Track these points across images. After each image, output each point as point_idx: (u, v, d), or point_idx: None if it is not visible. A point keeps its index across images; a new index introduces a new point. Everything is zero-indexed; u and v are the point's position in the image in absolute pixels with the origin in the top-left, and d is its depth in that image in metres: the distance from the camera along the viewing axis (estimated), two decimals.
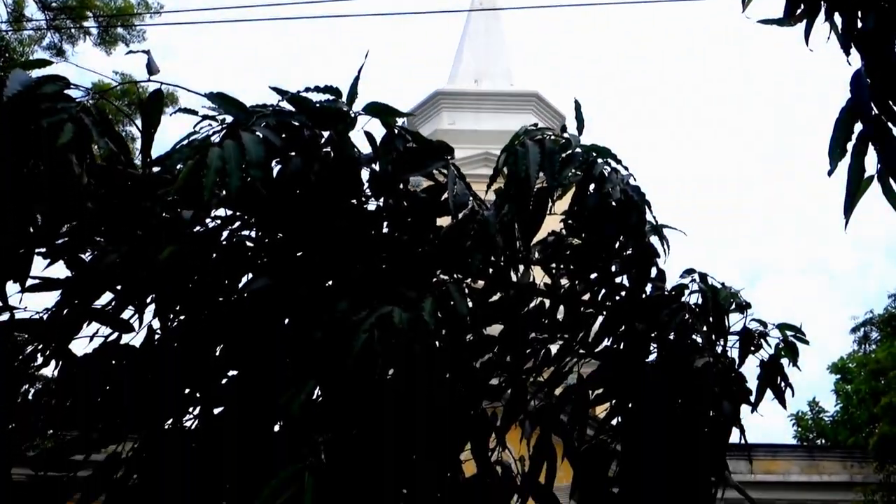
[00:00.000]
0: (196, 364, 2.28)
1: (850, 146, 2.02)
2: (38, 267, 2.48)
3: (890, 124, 1.98)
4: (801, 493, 15.28)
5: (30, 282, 2.40)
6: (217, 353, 2.32)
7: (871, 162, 2.04)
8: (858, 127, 2.03)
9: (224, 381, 2.33)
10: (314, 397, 2.12)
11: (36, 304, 2.49)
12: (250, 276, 2.30)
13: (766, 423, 22.94)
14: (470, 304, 2.39)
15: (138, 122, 2.56)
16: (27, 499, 2.30)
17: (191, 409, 2.25)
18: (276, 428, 2.24)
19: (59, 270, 2.48)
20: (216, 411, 2.29)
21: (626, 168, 2.62)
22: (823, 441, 22.23)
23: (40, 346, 2.28)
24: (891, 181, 1.99)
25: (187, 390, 2.28)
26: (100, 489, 2.25)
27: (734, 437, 2.68)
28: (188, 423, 2.28)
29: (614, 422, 2.67)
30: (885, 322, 18.31)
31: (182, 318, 2.31)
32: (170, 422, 2.27)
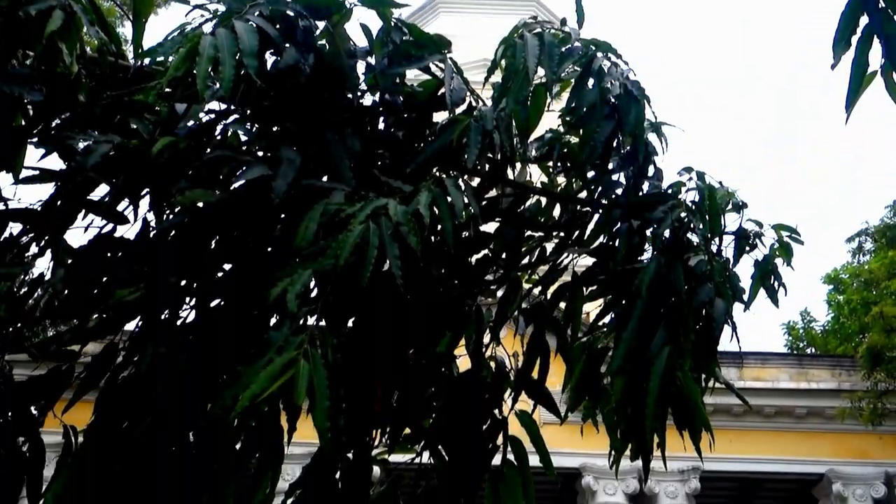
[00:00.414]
0: (191, 256, 2.28)
1: (854, 40, 1.98)
2: (32, 160, 2.46)
3: None
4: (789, 399, 15.57)
5: (24, 173, 2.39)
6: (213, 246, 2.32)
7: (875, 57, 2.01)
8: (864, 20, 1.99)
9: (220, 274, 2.34)
10: (310, 289, 2.12)
11: (31, 198, 2.47)
12: (245, 169, 2.28)
13: (758, 333, 23.24)
14: (466, 200, 2.38)
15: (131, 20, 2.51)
16: (25, 390, 2.33)
17: (188, 301, 2.26)
18: (273, 321, 2.25)
19: (54, 163, 2.47)
20: (213, 304, 2.30)
21: (626, 63, 2.57)
22: (814, 350, 22.56)
23: (34, 237, 2.28)
24: (894, 76, 1.96)
25: (183, 282, 2.28)
26: (97, 379, 2.28)
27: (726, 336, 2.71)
28: (185, 315, 2.30)
29: (607, 319, 2.69)
30: (881, 233, 18.37)
31: (177, 210, 2.30)
32: (166, 314, 2.28)
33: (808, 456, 15.40)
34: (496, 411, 2.82)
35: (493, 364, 2.90)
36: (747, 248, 2.85)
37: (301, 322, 2.05)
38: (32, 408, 2.31)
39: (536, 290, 2.82)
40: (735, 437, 15.16)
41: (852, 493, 14.98)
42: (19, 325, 2.25)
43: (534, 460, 2.87)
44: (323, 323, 2.09)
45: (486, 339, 2.85)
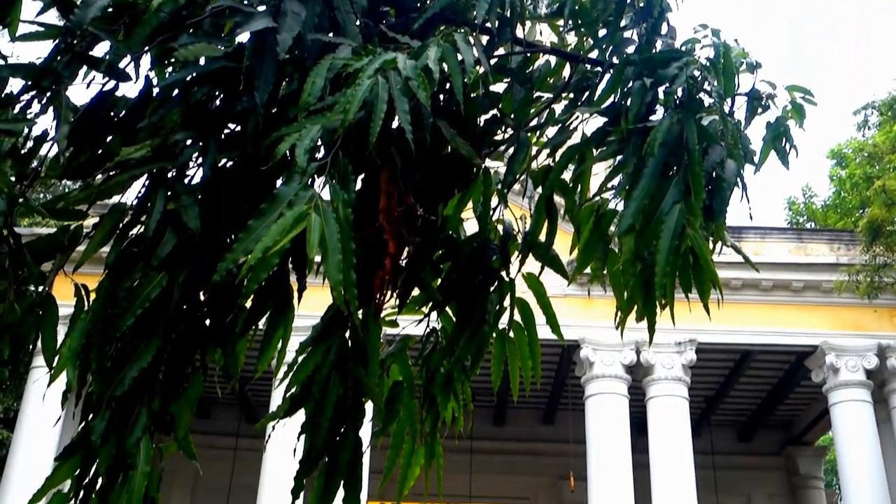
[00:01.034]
0: (196, 113, 2.24)
1: None
2: (30, 14, 2.39)
3: None
4: (787, 273, 15.74)
5: (21, 29, 2.32)
6: (217, 103, 2.28)
7: None
8: None
9: (226, 132, 2.30)
10: (318, 146, 2.09)
11: (30, 56, 2.41)
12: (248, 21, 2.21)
13: (759, 208, 23.33)
14: (476, 56, 2.32)
15: None
16: (34, 249, 2.33)
17: (194, 159, 2.23)
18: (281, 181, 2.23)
19: (52, 18, 2.40)
20: (220, 162, 2.27)
21: None
22: (813, 225, 22.65)
23: (36, 94, 2.23)
24: None
25: (189, 141, 2.25)
26: (106, 237, 2.28)
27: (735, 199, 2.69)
28: (192, 173, 2.27)
29: (616, 180, 2.66)
30: (887, 105, 18.16)
31: (180, 66, 2.25)
32: (173, 172, 2.25)
33: (803, 328, 15.68)
34: (503, 273, 2.83)
35: (500, 227, 2.90)
36: (760, 110, 2.80)
37: (310, 179, 2.03)
38: (42, 267, 2.31)
39: (545, 153, 2.78)
40: (732, 310, 15.38)
41: (845, 364, 15.32)
42: (26, 183, 2.23)
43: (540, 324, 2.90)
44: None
45: (494, 202, 2.83)
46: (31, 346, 2.27)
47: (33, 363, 14.35)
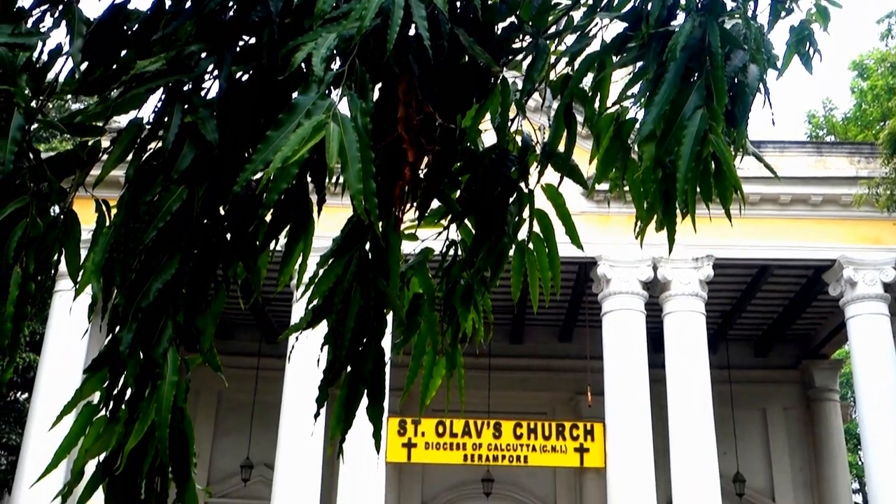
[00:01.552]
0: (210, 25, 2.21)
1: None
2: None
3: None
4: (805, 187, 15.62)
5: None
6: (231, 14, 2.25)
7: None
8: None
9: (241, 43, 2.28)
10: (334, 55, 2.07)
11: None
12: None
13: (779, 122, 22.96)
14: None
15: None
16: (54, 165, 2.33)
17: (210, 71, 2.21)
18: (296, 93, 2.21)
19: None
20: (236, 75, 2.25)
21: None
22: (833, 138, 22.38)
23: (48, 7, 2.21)
24: None
25: (203, 53, 2.23)
26: (124, 153, 2.27)
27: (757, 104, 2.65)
28: (208, 86, 2.25)
29: (636, 88, 2.62)
30: None
31: None
32: (189, 85, 2.24)
33: (821, 242, 15.63)
34: (522, 185, 2.82)
35: (518, 138, 2.87)
36: (783, 13, 2.74)
37: (327, 89, 2.01)
38: (62, 183, 2.32)
39: (564, 61, 2.74)
40: (750, 225, 15.35)
41: (862, 278, 15.31)
42: (42, 98, 2.22)
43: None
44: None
45: (512, 113, 2.81)
46: (55, 261, 2.29)
47: (56, 287, 14.54)
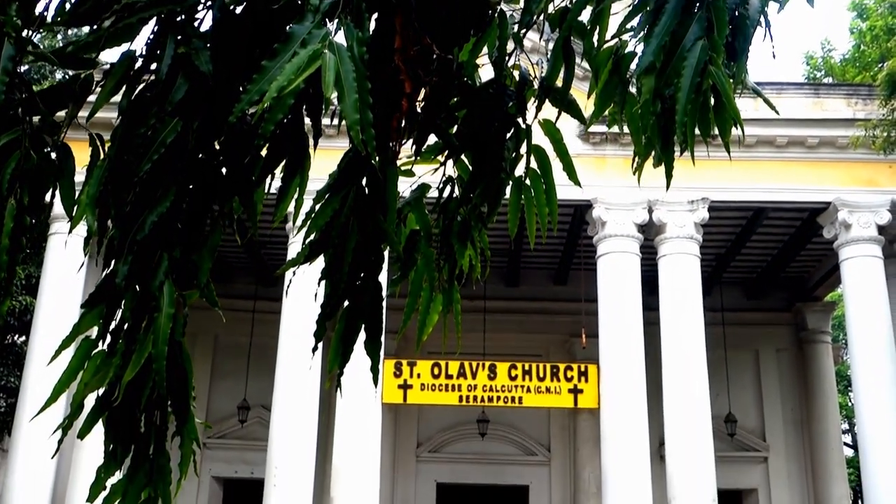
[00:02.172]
0: None
1: None
2: None
3: None
4: (802, 129, 15.56)
5: None
6: None
7: None
8: None
9: None
10: None
11: None
12: None
13: (776, 63, 22.80)
14: None
15: None
16: (46, 98, 2.30)
17: (203, 1, 2.17)
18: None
19: None
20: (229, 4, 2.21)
21: None
22: (832, 80, 22.22)
23: None
24: None
25: None
26: (117, 85, 2.24)
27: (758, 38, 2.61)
28: (201, 16, 2.21)
29: (636, 21, 2.58)
30: None
31: None
32: (182, 17, 2.20)
33: (817, 184, 15.62)
34: (519, 120, 2.79)
35: (516, 73, 2.84)
36: None
37: (323, 19, 1.98)
38: (55, 117, 2.29)
39: None
40: (746, 168, 15.33)
41: (857, 220, 15.34)
42: (33, 28, 2.18)
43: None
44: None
45: (510, 47, 2.77)
46: (49, 197, 2.27)
47: (52, 230, 14.52)
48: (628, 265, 15.11)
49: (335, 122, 2.16)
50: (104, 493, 2.23)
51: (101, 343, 2.14)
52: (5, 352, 19.52)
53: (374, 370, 2.38)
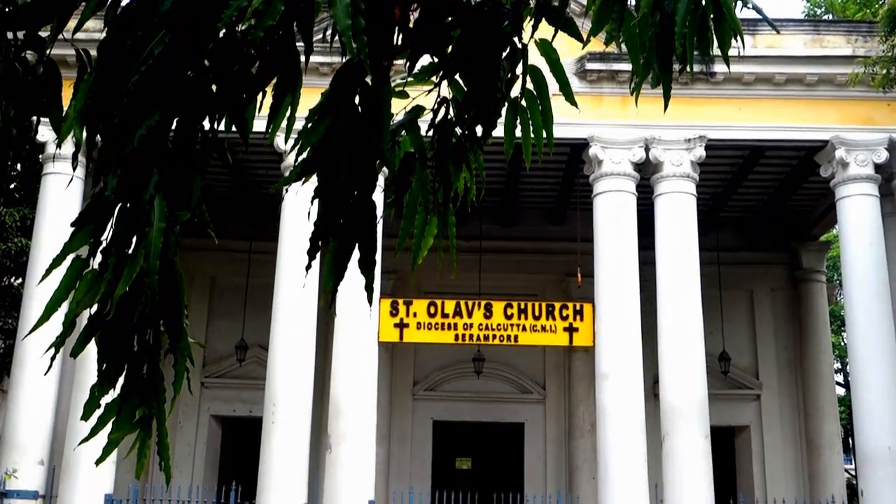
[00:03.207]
0: None
1: None
2: None
3: None
4: (801, 66, 15.41)
5: None
6: None
7: None
8: None
9: None
10: None
11: None
12: None
13: (775, 2, 22.47)
14: None
15: None
16: (31, 11, 2.24)
17: None
18: None
19: None
20: None
21: None
22: (832, 17, 21.96)
23: None
24: None
25: None
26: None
27: None
28: None
29: None
30: None
31: None
32: None
33: (815, 123, 15.53)
34: (515, 40, 2.74)
35: None
36: None
37: None
38: (40, 32, 2.24)
39: None
40: (743, 106, 15.22)
41: (854, 159, 15.29)
42: None
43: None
44: None
45: None
46: (36, 115, 2.23)
47: (45, 170, 14.41)
48: (624, 204, 15.08)
49: (328, 34, 2.11)
50: (99, 412, 2.22)
51: (92, 261, 2.12)
52: (2, 293, 19.55)
53: (369, 289, 2.36)
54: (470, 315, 15.09)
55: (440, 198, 2.84)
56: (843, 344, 32.26)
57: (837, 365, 32.47)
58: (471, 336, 15.10)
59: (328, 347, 14.98)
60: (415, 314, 15.07)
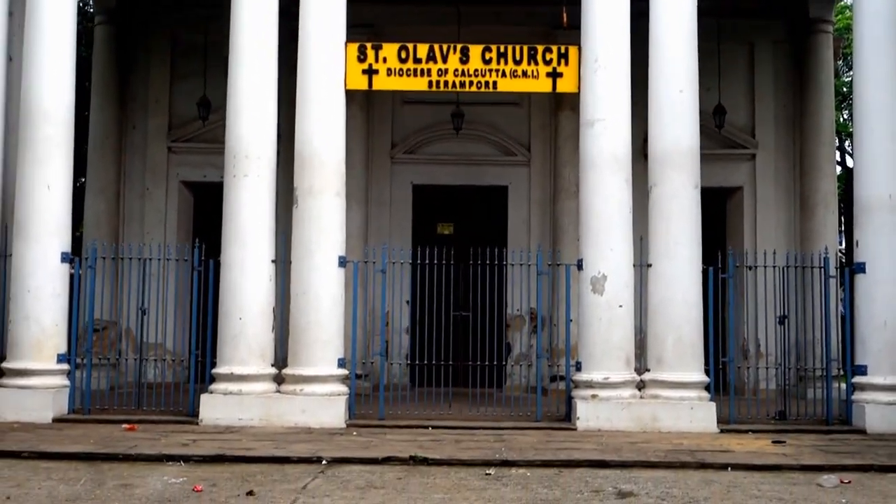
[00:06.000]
0: None
1: None
2: None
3: None
4: None
5: None
6: None
7: None
8: None
9: None
10: None
11: None
12: None
13: None
14: None
15: None
16: None
17: None
18: None
19: None
20: None
21: None
22: None
23: None
24: None
25: None
26: None
27: None
28: None
29: None
30: None
31: None
32: None
33: None
34: None
35: None
36: None
37: None
38: None
39: None
40: None
41: None
42: None
43: None
44: None
45: None
46: None
47: None
48: None
49: None
50: None
51: None
52: None
53: None
54: (445, 60, 13.81)
55: None
56: (842, 120, 31.18)
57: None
58: (446, 83, 13.86)
59: (292, 101, 13.82)
60: (384, 59, 13.78)
